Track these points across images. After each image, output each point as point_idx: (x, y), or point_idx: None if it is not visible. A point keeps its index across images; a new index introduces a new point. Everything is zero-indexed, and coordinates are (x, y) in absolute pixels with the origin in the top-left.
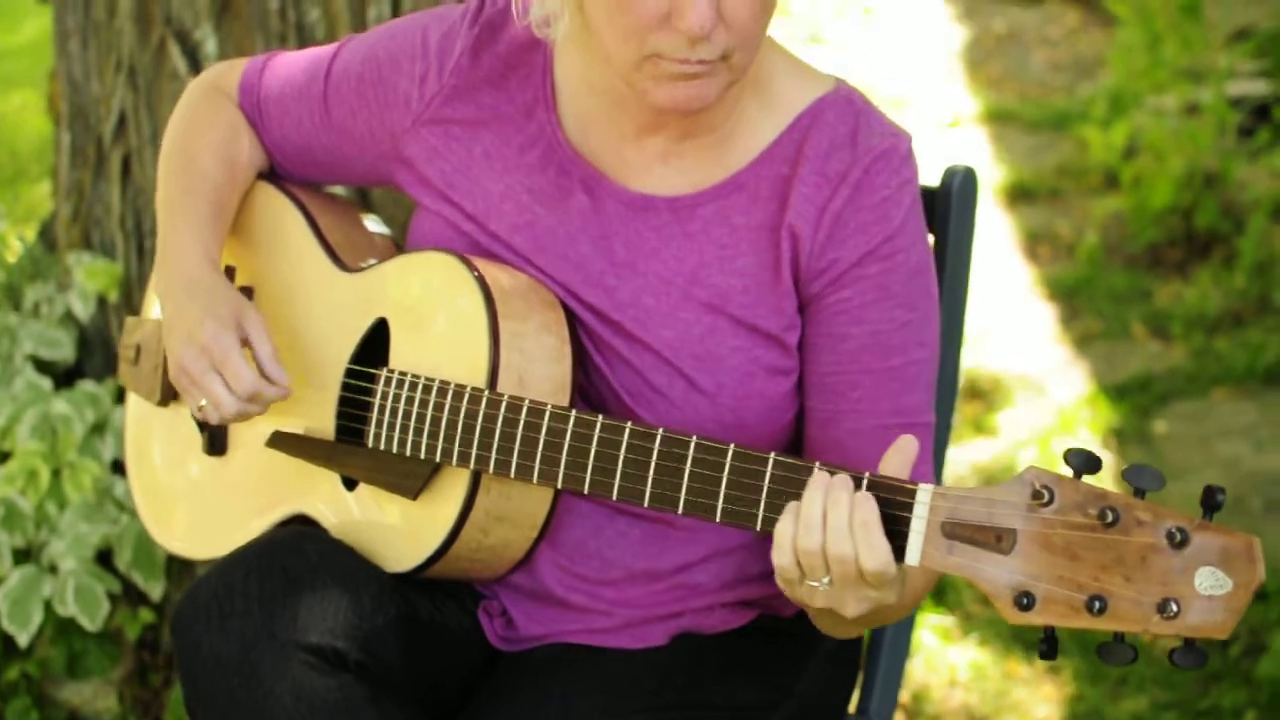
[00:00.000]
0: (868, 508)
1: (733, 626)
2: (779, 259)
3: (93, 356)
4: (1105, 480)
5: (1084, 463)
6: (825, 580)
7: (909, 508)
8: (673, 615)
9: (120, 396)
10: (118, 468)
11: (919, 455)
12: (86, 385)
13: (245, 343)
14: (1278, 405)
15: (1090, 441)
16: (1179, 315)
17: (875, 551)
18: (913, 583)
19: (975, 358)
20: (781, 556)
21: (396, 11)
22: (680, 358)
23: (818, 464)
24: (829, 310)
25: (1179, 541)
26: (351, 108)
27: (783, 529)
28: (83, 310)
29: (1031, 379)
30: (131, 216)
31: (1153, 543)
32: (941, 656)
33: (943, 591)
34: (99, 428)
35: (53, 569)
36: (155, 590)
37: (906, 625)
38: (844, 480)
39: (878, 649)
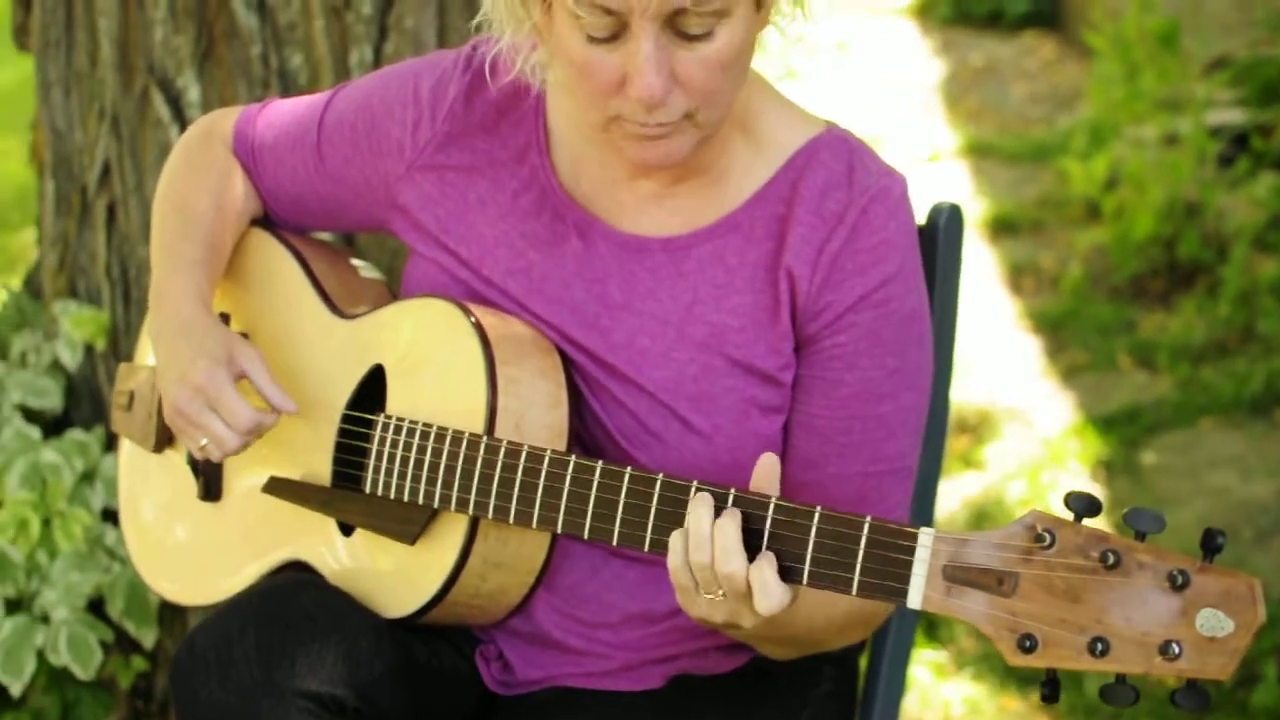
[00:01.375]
0: (726, 521)
1: (728, 669)
2: (777, 300)
3: (80, 405)
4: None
5: (1085, 506)
6: (720, 594)
7: (911, 551)
8: (669, 658)
9: (109, 444)
10: (108, 516)
11: (897, 501)
12: (75, 434)
13: (241, 378)
14: (1265, 434)
15: (1079, 473)
16: (1164, 345)
17: (728, 557)
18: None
19: (962, 391)
20: (673, 559)
21: (379, 56)
22: (676, 399)
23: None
24: (824, 354)
25: (1180, 584)
26: (345, 155)
27: (675, 543)
28: (70, 359)
29: (1018, 411)
30: (117, 264)
31: (1154, 585)
32: (935, 693)
33: (936, 627)
34: (88, 476)
35: (45, 619)
36: (148, 638)
37: (901, 662)
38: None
39: (873, 687)
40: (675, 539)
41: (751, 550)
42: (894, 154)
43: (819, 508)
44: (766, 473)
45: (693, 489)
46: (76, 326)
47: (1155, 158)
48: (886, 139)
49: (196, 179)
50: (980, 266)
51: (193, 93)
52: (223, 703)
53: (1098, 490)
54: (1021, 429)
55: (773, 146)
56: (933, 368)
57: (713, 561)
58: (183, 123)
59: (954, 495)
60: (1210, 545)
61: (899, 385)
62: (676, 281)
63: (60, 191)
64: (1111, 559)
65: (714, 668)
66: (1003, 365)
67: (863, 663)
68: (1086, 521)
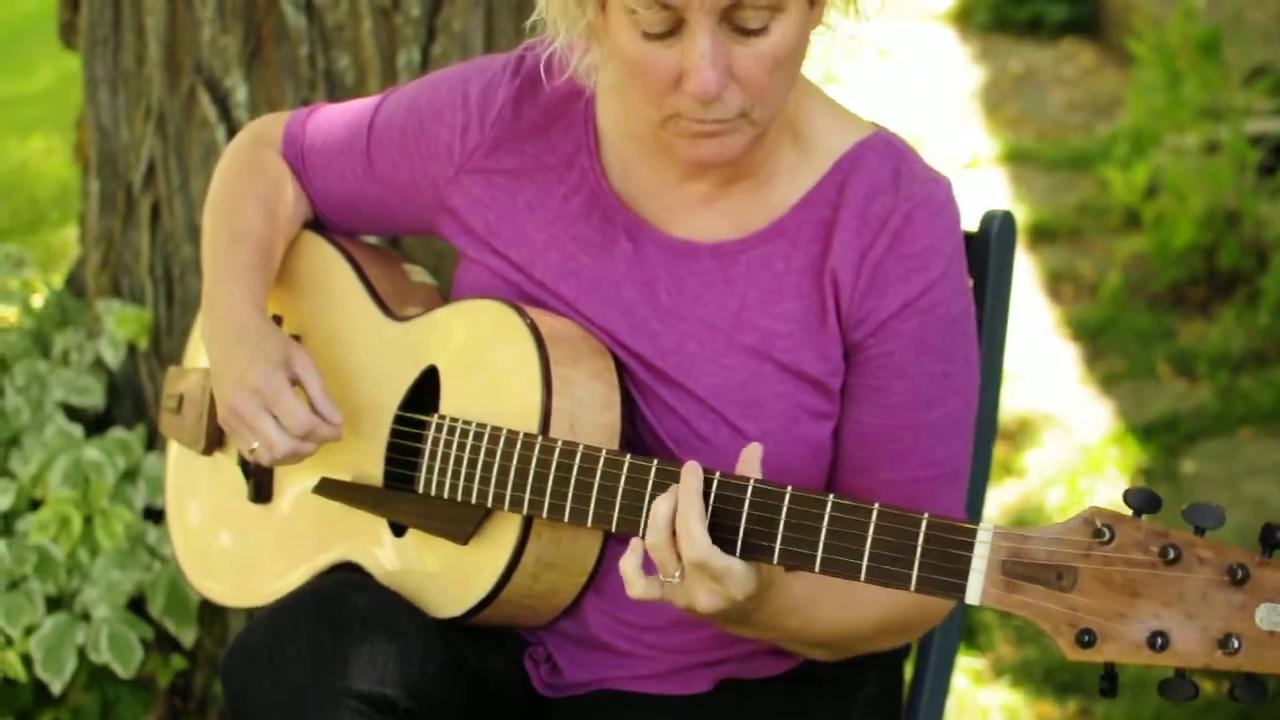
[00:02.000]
0: (687, 499)
1: (776, 673)
2: (824, 303)
3: (122, 403)
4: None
5: (1144, 501)
6: (676, 575)
7: (969, 546)
8: (717, 662)
9: (151, 443)
10: (149, 514)
11: (949, 505)
12: (117, 432)
13: (295, 382)
14: None
15: (1117, 481)
16: (1204, 354)
17: (693, 542)
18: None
19: (1000, 398)
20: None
21: (426, 58)
22: (725, 404)
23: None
24: (873, 363)
25: (1240, 578)
26: (394, 160)
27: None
28: (113, 357)
29: (1058, 419)
30: (161, 264)
31: (1214, 579)
32: (973, 699)
33: (974, 634)
34: (130, 474)
35: (85, 616)
36: (187, 637)
37: (946, 669)
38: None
39: (918, 693)
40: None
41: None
42: (933, 160)
43: (877, 504)
44: (750, 460)
45: (749, 486)
46: (120, 325)
47: (1195, 166)
48: (925, 145)
49: (247, 184)
50: (1019, 273)
51: (240, 93)
52: (274, 702)
53: None
54: (1061, 436)
55: (820, 150)
56: (980, 371)
57: (674, 548)
58: (229, 123)
59: (993, 502)
60: (1270, 540)
61: (948, 391)
62: (724, 287)
63: (105, 190)
64: (1171, 554)
65: (762, 671)
66: (1042, 372)
67: (908, 668)
68: (1145, 517)
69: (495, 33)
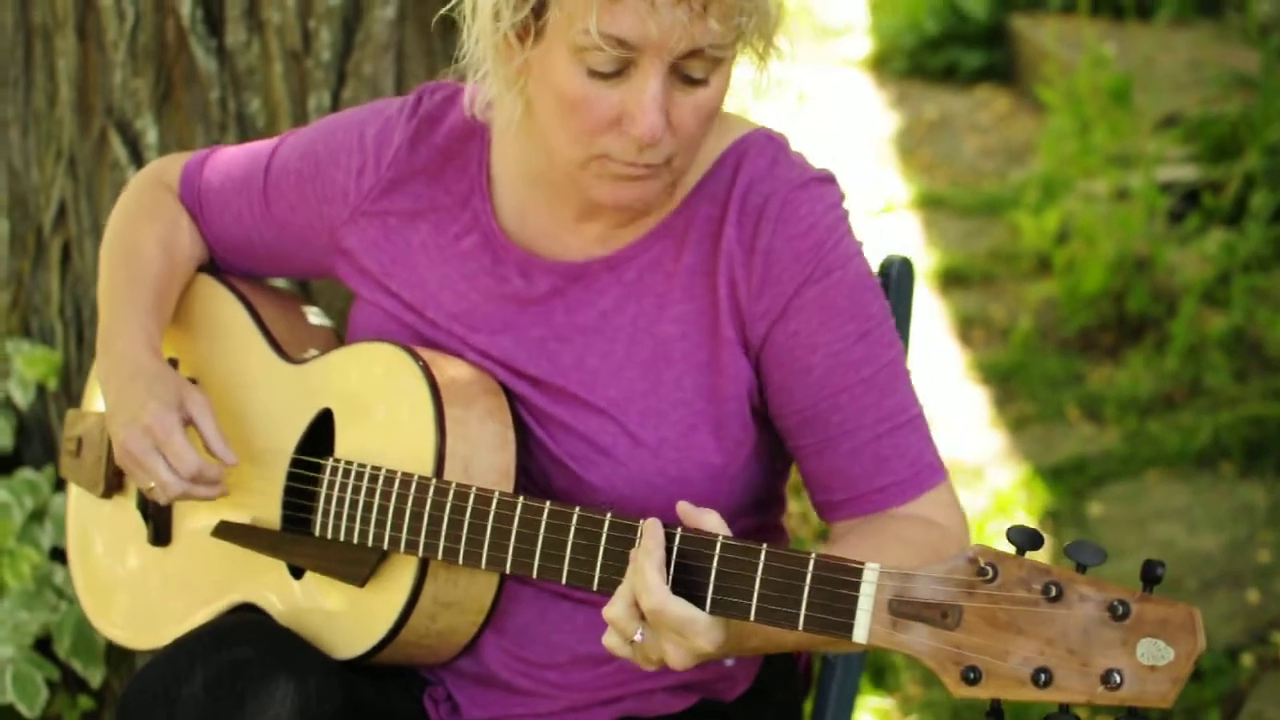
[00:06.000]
0: (645, 548)
1: (673, 710)
2: (716, 306)
3: (31, 444)
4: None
5: (1026, 540)
6: (638, 632)
7: (856, 586)
8: (615, 699)
9: (59, 484)
10: (56, 555)
11: (920, 449)
12: (25, 473)
13: (189, 424)
14: (1211, 487)
15: (1026, 524)
16: (1112, 398)
17: (650, 591)
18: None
19: None
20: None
21: (337, 101)
22: (627, 414)
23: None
24: (784, 347)
25: (1121, 614)
26: (290, 202)
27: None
28: (22, 398)
29: (966, 463)
30: (71, 305)
31: (1095, 616)
32: None
33: (882, 673)
34: (38, 515)
35: None
36: (95, 677)
37: (846, 707)
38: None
39: None
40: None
41: (696, 587)
42: (847, 205)
43: (765, 545)
44: (689, 512)
45: (640, 525)
46: (29, 366)
47: (1106, 212)
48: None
49: (144, 225)
50: (931, 317)
51: (151, 135)
52: None
53: (1046, 541)
54: (970, 480)
55: (705, 150)
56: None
57: (636, 608)
58: (140, 165)
59: None
60: (1150, 575)
61: (873, 346)
62: (620, 296)
63: (15, 231)
64: (1054, 591)
65: (660, 709)
66: (952, 417)
67: (808, 708)
68: (1029, 555)
69: (406, 76)
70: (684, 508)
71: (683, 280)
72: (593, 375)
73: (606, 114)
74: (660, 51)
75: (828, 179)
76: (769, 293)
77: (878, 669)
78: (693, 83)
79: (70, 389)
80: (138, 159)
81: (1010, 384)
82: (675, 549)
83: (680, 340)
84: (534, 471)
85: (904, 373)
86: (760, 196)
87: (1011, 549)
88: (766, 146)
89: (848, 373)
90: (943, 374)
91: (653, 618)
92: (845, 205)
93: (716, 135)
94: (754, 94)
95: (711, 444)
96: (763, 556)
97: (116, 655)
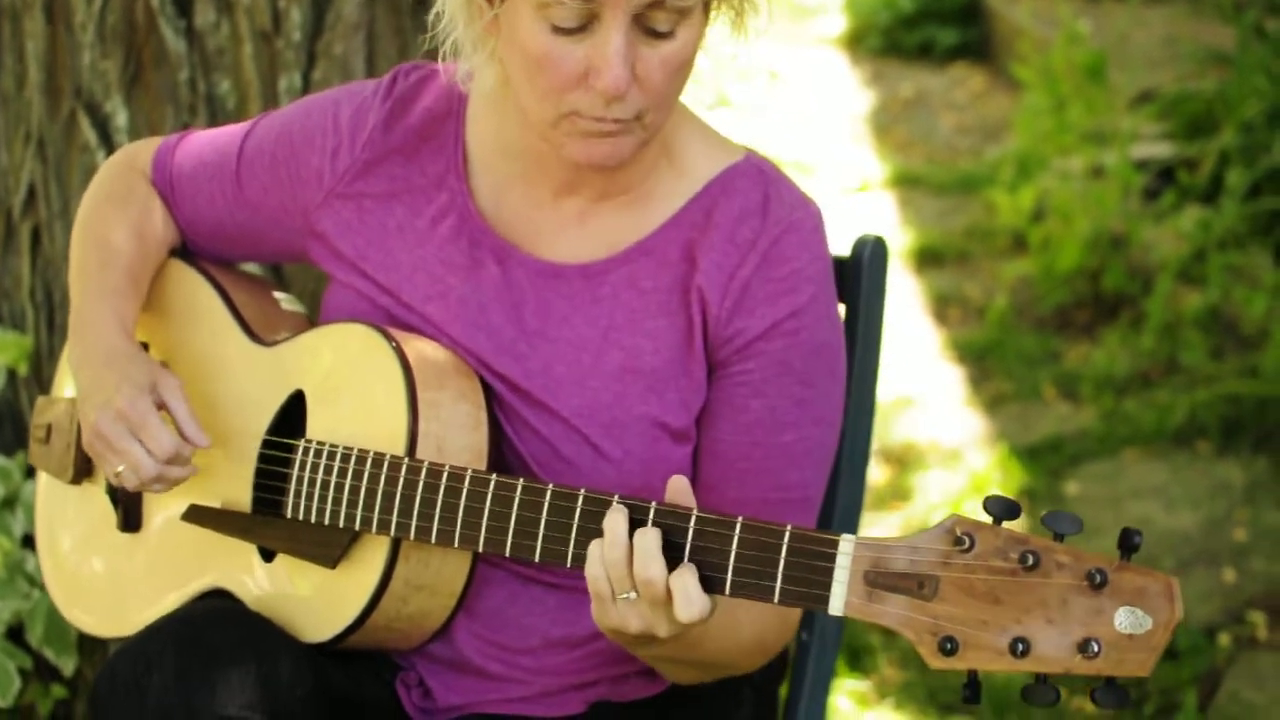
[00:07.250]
0: (646, 530)
1: (648, 694)
2: (690, 323)
3: (2, 430)
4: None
5: (1003, 509)
6: (631, 594)
7: (832, 558)
8: (589, 684)
9: (31, 471)
10: (28, 542)
11: None
12: None
13: (162, 407)
14: (1187, 465)
15: None
16: (1088, 377)
17: (648, 562)
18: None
19: (886, 423)
20: (591, 567)
21: (307, 82)
22: (589, 425)
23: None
24: (732, 380)
25: (1098, 583)
26: (264, 184)
27: (593, 549)
28: None
29: (942, 443)
30: (42, 289)
31: (1073, 584)
32: None
33: (859, 657)
34: (9, 502)
35: None
36: (67, 665)
37: (822, 691)
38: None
39: (793, 715)
40: (593, 545)
41: (673, 563)
42: (823, 183)
43: (741, 518)
44: (681, 490)
45: (614, 502)
46: (0, 351)
47: (1081, 190)
48: (816, 168)
49: (115, 210)
50: (906, 296)
51: (120, 117)
52: None
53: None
54: (946, 459)
55: (692, 173)
56: (845, 400)
57: (630, 566)
58: (109, 147)
59: (877, 526)
60: (1127, 544)
61: (805, 416)
62: (592, 308)
63: None
64: (1030, 560)
65: (634, 693)
66: (928, 396)
67: (782, 692)
68: (1006, 524)
69: (377, 56)
70: (677, 483)
71: (659, 298)
72: (558, 383)
73: (573, 70)
74: (620, 3)
75: (817, 219)
76: (738, 323)
77: (854, 651)
78: (658, 35)
79: (41, 374)
80: (107, 141)
81: (986, 363)
82: (649, 522)
83: (651, 355)
84: (501, 470)
85: (823, 453)
86: (752, 230)
87: (989, 519)
88: (758, 179)
89: (772, 431)
90: (918, 353)
91: (645, 589)
92: (829, 250)
93: (705, 160)
94: (724, 62)
95: (677, 455)
96: (738, 529)
97: (89, 644)
